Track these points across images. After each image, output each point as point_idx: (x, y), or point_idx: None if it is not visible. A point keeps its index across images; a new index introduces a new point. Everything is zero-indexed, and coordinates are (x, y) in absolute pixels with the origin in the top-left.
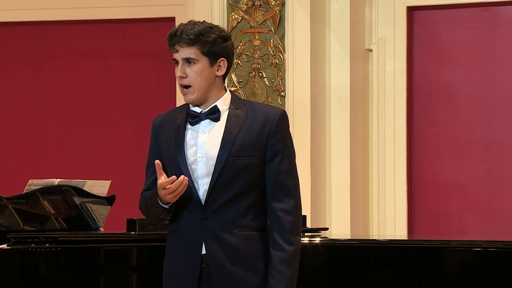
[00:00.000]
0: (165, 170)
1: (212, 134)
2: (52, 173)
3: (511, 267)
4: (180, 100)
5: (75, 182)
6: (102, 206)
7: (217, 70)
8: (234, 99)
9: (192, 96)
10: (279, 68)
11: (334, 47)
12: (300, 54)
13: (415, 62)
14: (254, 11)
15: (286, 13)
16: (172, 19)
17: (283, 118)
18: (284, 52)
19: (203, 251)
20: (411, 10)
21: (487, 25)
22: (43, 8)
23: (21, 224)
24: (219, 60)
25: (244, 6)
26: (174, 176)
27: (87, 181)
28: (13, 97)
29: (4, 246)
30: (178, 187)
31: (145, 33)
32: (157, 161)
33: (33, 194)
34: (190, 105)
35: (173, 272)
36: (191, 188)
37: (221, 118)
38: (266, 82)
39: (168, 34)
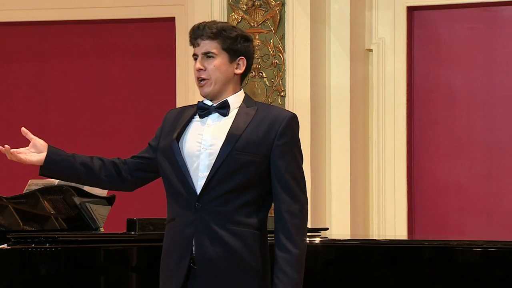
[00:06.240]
0: (162, 158)
1: (218, 128)
2: None
3: (511, 267)
4: (180, 100)
5: None
6: (102, 206)
7: (236, 68)
8: (247, 99)
9: (208, 89)
10: (279, 68)
11: (334, 47)
12: (300, 54)
13: (415, 62)
14: (254, 11)
15: (286, 13)
16: (172, 19)
17: (293, 121)
18: (284, 52)
19: (193, 242)
20: (411, 10)
21: (487, 25)
22: (43, 8)
23: (21, 224)
24: (239, 58)
25: (244, 6)
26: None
27: None
28: (13, 97)
29: (4, 246)
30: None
31: (145, 33)
32: (22, 128)
33: (33, 194)
34: (203, 99)
35: (165, 263)
36: (186, 179)
37: (230, 114)
38: (266, 82)
39: (191, 29)
